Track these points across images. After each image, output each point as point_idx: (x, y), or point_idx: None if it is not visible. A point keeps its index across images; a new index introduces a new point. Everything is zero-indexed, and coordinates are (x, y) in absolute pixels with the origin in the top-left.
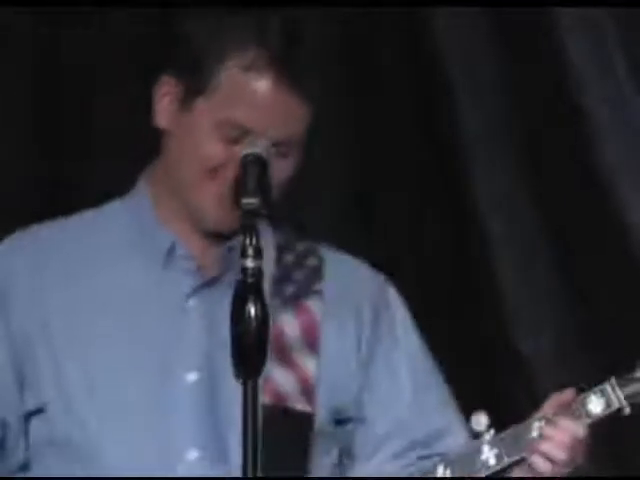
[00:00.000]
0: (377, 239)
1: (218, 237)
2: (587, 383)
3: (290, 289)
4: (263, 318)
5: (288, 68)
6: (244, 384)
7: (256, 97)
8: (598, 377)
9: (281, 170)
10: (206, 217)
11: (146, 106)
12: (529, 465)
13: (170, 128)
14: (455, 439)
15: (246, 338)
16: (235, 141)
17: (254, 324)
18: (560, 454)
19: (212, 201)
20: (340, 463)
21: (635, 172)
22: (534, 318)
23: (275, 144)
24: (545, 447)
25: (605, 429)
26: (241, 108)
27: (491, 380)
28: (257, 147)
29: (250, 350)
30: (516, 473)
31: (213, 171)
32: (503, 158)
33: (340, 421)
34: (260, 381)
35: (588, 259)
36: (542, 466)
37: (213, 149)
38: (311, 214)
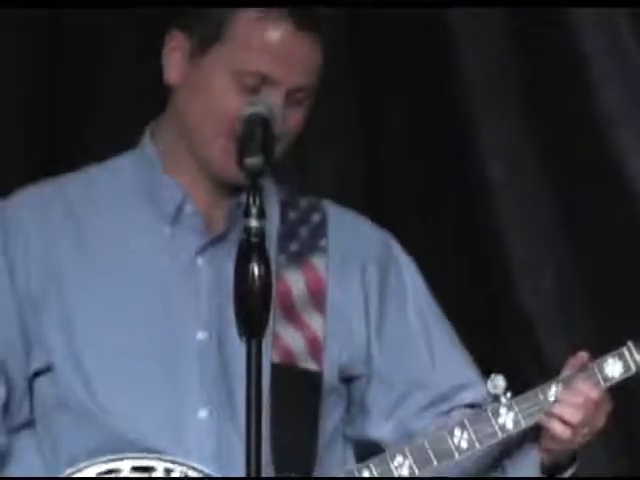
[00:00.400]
0: (383, 194)
1: (228, 188)
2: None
3: (295, 246)
4: (266, 278)
5: (303, 15)
6: (248, 343)
7: (273, 43)
8: (600, 333)
9: (293, 120)
10: (218, 169)
11: (149, 64)
12: (547, 430)
13: (181, 83)
14: (474, 393)
15: (250, 298)
16: (253, 90)
17: (257, 284)
18: (575, 416)
19: (224, 153)
20: (348, 416)
21: (635, 119)
22: (536, 275)
23: (292, 91)
24: (559, 410)
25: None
26: (258, 55)
27: (496, 341)
28: (262, 105)
29: (254, 309)
30: (542, 442)
31: (228, 124)
32: (504, 108)
33: (349, 378)
34: (268, 339)
35: (589, 209)
36: (559, 430)
37: (231, 101)
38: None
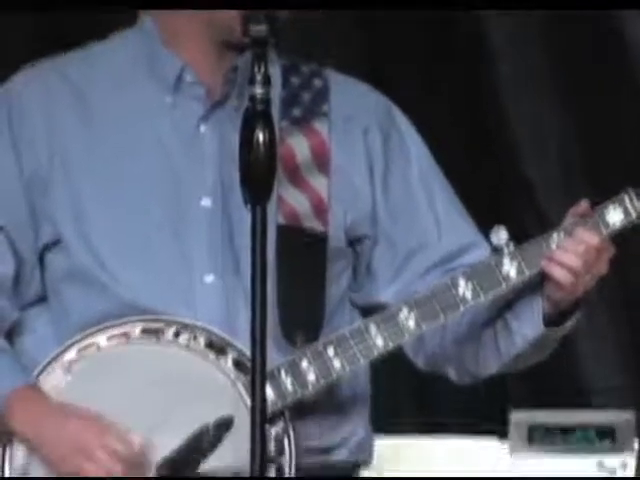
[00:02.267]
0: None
1: (227, 54)
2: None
3: (297, 111)
4: (271, 145)
5: None
6: (253, 209)
7: None
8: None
9: None
10: (219, 26)
11: None
12: (548, 277)
13: None
14: (478, 254)
15: (255, 164)
16: None
17: (263, 150)
18: (575, 262)
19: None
20: (355, 283)
21: None
22: (540, 144)
23: None
24: (559, 255)
25: None
26: None
27: (499, 207)
28: None
29: (259, 176)
30: (545, 291)
31: None
32: None
33: (355, 240)
34: (273, 202)
35: (591, 92)
36: (560, 275)
37: None
38: None
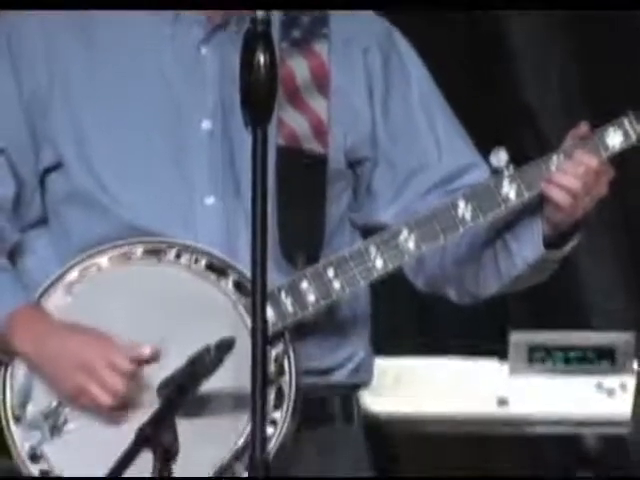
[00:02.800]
0: None
1: None
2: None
3: (297, 33)
4: (272, 66)
5: None
6: (253, 131)
7: None
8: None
9: None
10: None
11: None
12: (548, 199)
13: None
14: (478, 175)
15: (255, 86)
16: None
17: (263, 72)
18: (574, 184)
19: None
20: (356, 203)
21: None
22: (541, 71)
23: None
24: (559, 177)
25: None
26: None
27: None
28: None
29: (259, 98)
30: (545, 213)
31: None
32: None
33: (355, 162)
34: (274, 124)
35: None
36: (559, 197)
37: None
38: None
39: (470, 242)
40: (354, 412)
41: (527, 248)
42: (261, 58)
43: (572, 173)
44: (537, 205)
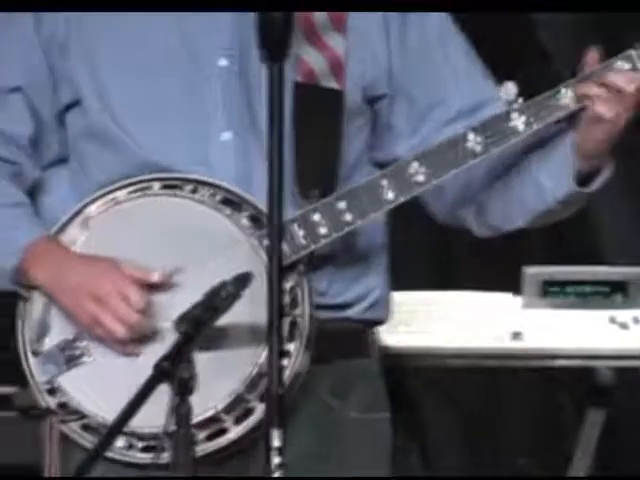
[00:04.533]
0: None
1: None
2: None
3: None
4: None
5: None
6: (270, 68)
7: None
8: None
9: None
10: None
11: None
12: (589, 115)
13: None
14: (494, 110)
15: (272, 23)
16: None
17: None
18: (627, 86)
19: None
20: (374, 139)
21: None
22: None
23: None
24: (612, 77)
25: None
26: None
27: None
28: None
29: (276, 34)
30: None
31: None
32: None
33: (373, 99)
34: (291, 61)
35: None
36: (603, 109)
37: None
38: None
39: (495, 174)
40: (370, 347)
41: (558, 184)
42: None
43: (623, 79)
44: (568, 139)
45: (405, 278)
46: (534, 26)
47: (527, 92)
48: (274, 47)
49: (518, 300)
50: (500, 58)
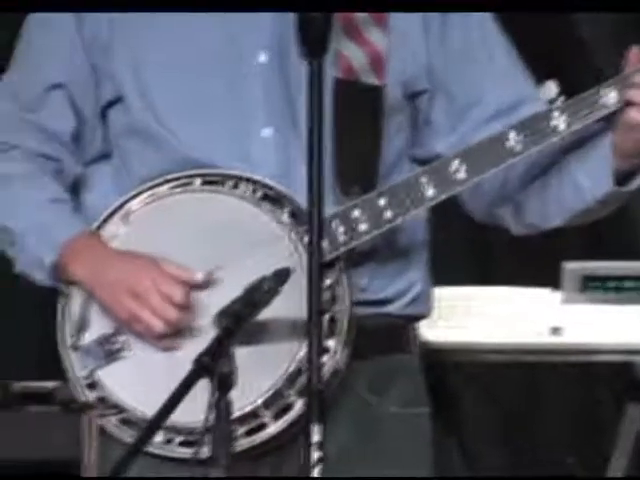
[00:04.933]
0: None
1: None
2: None
3: None
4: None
5: None
6: (310, 64)
7: None
8: None
9: None
10: None
11: None
12: (623, 119)
13: None
14: (537, 108)
15: (311, 18)
16: None
17: None
18: None
19: None
20: (414, 136)
21: None
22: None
23: None
24: (633, 94)
25: None
26: None
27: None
28: None
29: (315, 30)
30: (617, 137)
31: None
32: None
33: (413, 95)
34: (331, 56)
35: None
36: (635, 114)
37: None
38: None
39: (533, 173)
40: (411, 342)
41: (597, 183)
42: None
43: None
44: (608, 138)
45: (444, 273)
46: (575, 24)
47: (568, 91)
48: (313, 44)
49: (557, 295)
50: (541, 57)
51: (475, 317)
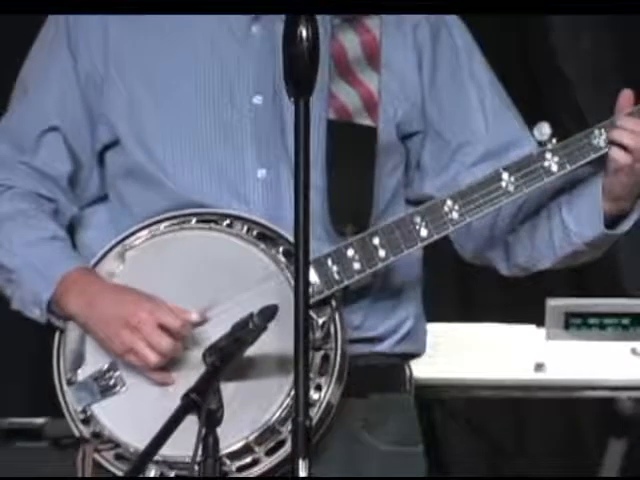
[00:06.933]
0: None
1: None
2: None
3: None
4: (314, 39)
5: None
6: (296, 103)
7: None
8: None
9: None
10: None
11: None
12: (609, 162)
13: None
14: (525, 151)
15: (297, 58)
16: None
17: (305, 45)
18: (634, 140)
19: None
20: (407, 178)
21: None
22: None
23: None
24: (618, 135)
25: None
26: None
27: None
28: None
29: (301, 70)
30: (606, 180)
31: None
32: None
33: (406, 136)
34: (324, 98)
35: None
36: (619, 156)
37: None
38: None
39: (522, 215)
40: (404, 380)
41: (586, 227)
42: (303, 31)
43: (632, 130)
44: (598, 181)
45: (429, 309)
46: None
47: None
48: (299, 82)
49: (541, 332)
50: (531, 100)
51: (459, 353)
